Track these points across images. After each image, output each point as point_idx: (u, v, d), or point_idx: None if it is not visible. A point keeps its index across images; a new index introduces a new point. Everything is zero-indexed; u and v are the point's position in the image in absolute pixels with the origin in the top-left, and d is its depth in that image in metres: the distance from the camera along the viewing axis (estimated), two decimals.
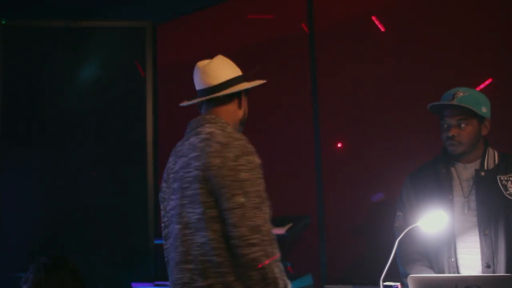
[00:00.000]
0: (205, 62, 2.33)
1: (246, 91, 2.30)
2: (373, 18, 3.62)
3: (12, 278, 3.22)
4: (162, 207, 2.24)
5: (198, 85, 2.30)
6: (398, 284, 2.36)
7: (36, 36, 4.47)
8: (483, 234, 2.53)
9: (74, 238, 4.14)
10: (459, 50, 3.42)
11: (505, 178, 2.58)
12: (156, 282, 3.74)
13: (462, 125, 2.60)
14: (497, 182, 2.57)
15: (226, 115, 2.23)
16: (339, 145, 3.83)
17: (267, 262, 1.93)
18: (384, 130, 3.65)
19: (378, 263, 2.48)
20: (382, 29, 3.54)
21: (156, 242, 4.14)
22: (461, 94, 2.60)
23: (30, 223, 4.16)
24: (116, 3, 4.48)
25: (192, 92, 4.85)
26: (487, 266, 2.50)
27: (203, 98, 2.25)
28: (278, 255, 1.99)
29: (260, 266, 1.93)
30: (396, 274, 2.66)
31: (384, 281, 2.37)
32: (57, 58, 4.45)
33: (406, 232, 2.46)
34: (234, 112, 2.27)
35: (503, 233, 2.51)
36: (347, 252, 3.74)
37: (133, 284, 3.80)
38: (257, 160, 2.04)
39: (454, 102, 2.59)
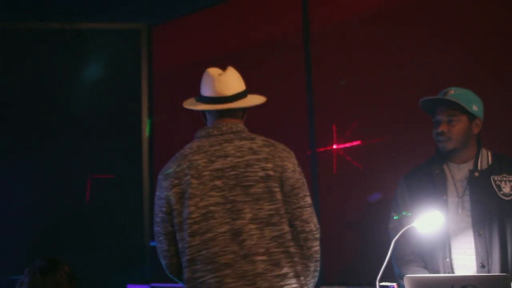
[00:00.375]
0: (218, 70, 2.46)
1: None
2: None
3: (8, 281, 3.23)
4: (190, 203, 2.22)
5: (212, 92, 2.42)
6: (394, 284, 2.38)
7: (31, 38, 4.47)
8: (477, 234, 2.54)
9: (70, 240, 4.13)
10: (457, 54, 3.45)
11: (499, 178, 2.60)
12: (152, 284, 3.75)
13: (452, 121, 2.62)
14: (491, 182, 2.59)
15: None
16: (334, 146, 3.85)
17: (319, 256, 2.24)
18: (379, 132, 3.67)
19: (374, 264, 2.49)
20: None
21: (152, 244, 4.14)
22: (453, 92, 2.64)
23: (25, 225, 4.15)
24: (112, 5, 4.48)
25: (188, 94, 4.86)
26: (481, 266, 2.51)
27: (219, 107, 2.38)
28: None
29: (317, 259, 2.23)
30: (392, 274, 2.67)
31: (380, 281, 2.38)
32: (53, 60, 4.45)
33: (402, 233, 2.47)
34: (242, 123, 2.43)
35: (497, 233, 2.53)
36: (343, 253, 3.75)
37: (129, 286, 3.80)
38: None
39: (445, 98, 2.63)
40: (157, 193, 2.33)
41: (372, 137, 3.69)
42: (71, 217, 4.25)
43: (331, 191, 3.83)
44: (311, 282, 2.25)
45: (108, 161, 4.43)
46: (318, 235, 2.24)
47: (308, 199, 2.25)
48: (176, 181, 2.26)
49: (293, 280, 2.17)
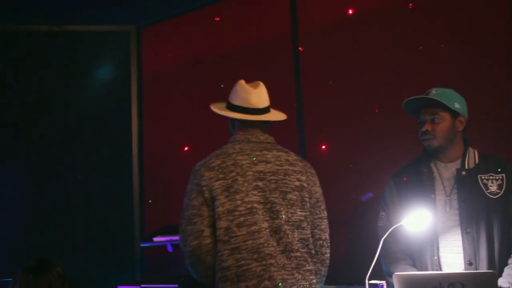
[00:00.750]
0: (250, 84, 2.67)
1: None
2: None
3: (0, 283, 3.22)
4: (236, 197, 2.42)
5: (248, 103, 2.62)
6: (383, 282, 2.39)
7: (20, 40, 4.46)
8: (465, 233, 2.57)
9: (61, 242, 4.13)
10: (443, 54, 3.48)
11: (486, 177, 2.63)
12: (143, 285, 3.75)
13: (435, 120, 2.66)
14: (478, 181, 2.62)
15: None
16: (323, 147, 3.87)
17: (328, 263, 2.56)
18: (368, 131, 3.69)
19: (363, 262, 2.51)
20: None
21: (142, 245, 4.15)
22: (434, 91, 2.69)
23: (17, 227, 4.14)
24: (101, 8, 4.48)
25: (177, 94, 4.87)
26: (469, 263, 2.54)
27: (255, 117, 2.61)
28: None
29: (327, 264, 2.56)
30: (382, 272, 2.69)
31: (369, 279, 2.40)
32: (42, 62, 4.45)
33: (390, 232, 2.49)
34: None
35: (485, 231, 2.56)
36: (332, 253, 3.75)
37: (120, 287, 3.80)
38: None
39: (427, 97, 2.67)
40: (195, 180, 2.50)
41: (361, 136, 3.72)
42: (62, 219, 4.24)
43: (322, 191, 3.85)
44: (320, 284, 2.55)
45: (98, 162, 4.43)
46: (329, 244, 2.57)
47: (326, 212, 2.59)
48: (221, 175, 2.45)
49: (313, 277, 2.48)
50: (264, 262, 2.36)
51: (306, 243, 2.46)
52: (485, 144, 2.88)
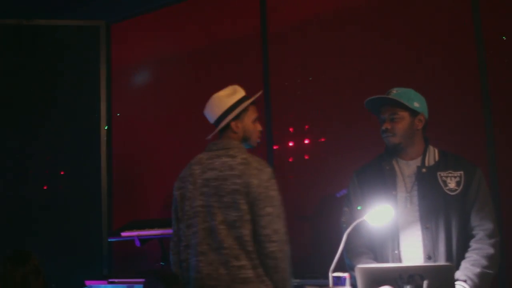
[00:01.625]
0: (217, 93, 2.89)
1: (237, 117, 2.84)
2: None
3: None
4: (187, 203, 2.83)
5: (208, 114, 2.90)
6: (346, 275, 2.45)
7: None
8: (424, 228, 2.65)
9: (28, 237, 4.11)
10: (407, 53, 3.57)
11: (445, 174, 2.71)
12: (110, 280, 3.74)
13: (395, 119, 2.74)
14: (437, 178, 2.70)
15: (234, 139, 2.85)
16: (290, 144, 3.92)
17: (281, 255, 2.65)
18: (332, 129, 3.76)
19: (328, 256, 2.56)
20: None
21: (110, 240, 4.15)
22: (395, 91, 2.77)
23: None
24: (71, 2, 4.46)
25: (146, 91, 4.88)
26: (428, 257, 2.62)
27: (216, 130, 2.87)
28: (288, 251, 2.69)
29: (275, 257, 2.65)
30: (345, 266, 2.76)
31: (333, 272, 2.47)
32: (9, 56, 4.40)
33: (353, 227, 2.55)
34: (236, 134, 2.86)
35: (443, 226, 2.64)
36: (298, 248, 3.79)
37: (87, 282, 3.78)
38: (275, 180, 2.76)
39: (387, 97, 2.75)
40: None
41: (326, 134, 3.79)
42: (29, 214, 4.22)
43: (287, 187, 3.90)
44: (277, 276, 2.68)
45: (66, 156, 4.41)
46: (276, 238, 2.65)
47: (269, 209, 2.68)
48: (181, 185, 2.87)
49: (250, 271, 2.67)
50: (198, 258, 2.74)
51: (240, 241, 2.67)
52: (445, 143, 2.97)
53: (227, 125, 2.84)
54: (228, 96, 2.87)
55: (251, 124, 2.88)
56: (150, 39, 4.58)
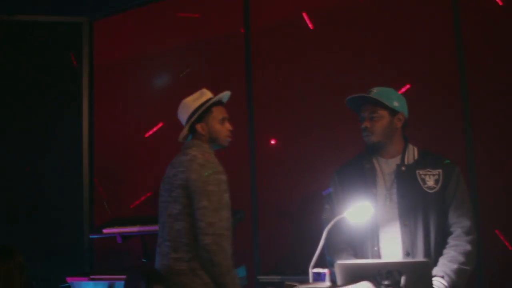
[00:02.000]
0: (185, 98, 3.03)
1: (201, 119, 2.95)
2: (304, 14, 3.76)
3: None
4: (159, 199, 3.02)
5: (181, 121, 3.04)
6: (326, 270, 2.47)
7: None
8: (403, 225, 2.68)
9: (8, 233, 4.08)
10: (386, 52, 3.61)
11: (424, 173, 2.75)
12: (92, 276, 3.74)
13: (374, 117, 2.77)
14: (416, 176, 2.73)
15: (201, 140, 2.97)
16: (272, 141, 3.95)
17: (215, 248, 2.72)
18: (315, 127, 3.79)
19: (309, 253, 2.56)
20: (311, 27, 3.69)
21: (92, 237, 4.15)
22: (375, 90, 2.81)
23: None
24: None
25: (128, 88, 4.86)
26: (406, 254, 2.65)
27: (184, 132, 3.00)
28: (227, 245, 2.76)
29: (209, 250, 2.73)
30: (325, 263, 2.79)
31: (313, 268, 2.50)
32: None
33: (334, 223, 2.56)
34: (204, 136, 2.97)
35: (421, 224, 2.68)
36: (279, 245, 3.85)
37: (68, 279, 3.78)
38: (223, 177, 2.86)
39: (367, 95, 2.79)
40: None
41: (309, 132, 3.82)
42: (10, 211, 4.19)
43: (269, 185, 3.94)
44: (214, 270, 2.75)
45: (48, 153, 4.39)
46: (211, 231, 2.74)
47: (204, 203, 2.79)
48: (161, 185, 3.03)
49: (184, 264, 2.80)
50: (156, 250, 2.96)
51: (180, 233, 2.83)
52: (424, 141, 3.01)
53: (195, 128, 2.97)
54: (194, 100, 2.99)
55: (217, 124, 2.98)
56: (134, 37, 4.57)
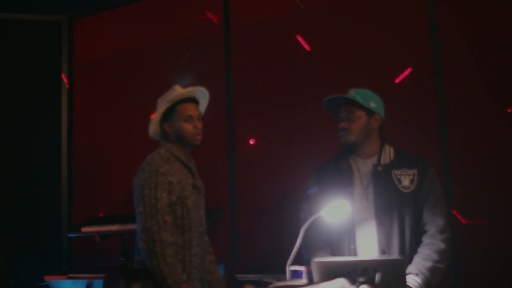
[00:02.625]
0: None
1: (166, 118, 2.90)
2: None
3: None
4: None
5: None
6: (303, 268, 2.49)
7: None
8: (379, 224, 2.73)
9: None
10: (365, 54, 3.65)
11: (399, 173, 2.80)
12: (70, 275, 3.73)
13: (352, 118, 2.82)
14: (392, 176, 2.78)
15: (169, 139, 2.93)
16: (251, 141, 3.97)
17: (147, 254, 2.69)
18: (294, 127, 3.82)
19: (287, 252, 2.59)
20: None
21: (70, 235, 4.13)
22: (352, 91, 2.86)
23: None
24: None
25: (107, 87, 4.84)
26: (382, 252, 2.70)
27: (153, 131, 2.97)
28: (160, 250, 2.68)
29: (144, 255, 2.71)
30: (303, 262, 2.81)
31: (290, 266, 2.52)
32: None
33: (312, 223, 2.60)
34: (170, 134, 2.92)
35: (397, 222, 2.73)
36: (258, 243, 3.87)
37: (46, 277, 3.76)
38: (162, 179, 2.76)
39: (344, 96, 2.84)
40: None
41: (288, 132, 3.84)
42: None
43: (248, 184, 3.95)
44: (153, 273, 2.70)
45: (26, 153, 4.37)
46: (144, 237, 2.71)
47: (140, 208, 2.76)
48: None
49: (137, 265, 2.81)
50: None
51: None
52: (400, 142, 3.06)
53: (163, 126, 2.92)
54: (164, 97, 2.93)
55: (182, 123, 2.88)
56: (113, 35, 4.56)
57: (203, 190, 3.02)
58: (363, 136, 2.84)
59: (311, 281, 2.38)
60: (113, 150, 4.47)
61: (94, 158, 4.54)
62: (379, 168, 2.81)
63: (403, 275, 2.32)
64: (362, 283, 2.21)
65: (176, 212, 2.79)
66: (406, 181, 2.79)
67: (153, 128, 2.93)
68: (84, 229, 3.87)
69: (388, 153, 2.87)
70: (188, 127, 2.88)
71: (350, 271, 2.24)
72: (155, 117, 2.91)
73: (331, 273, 2.25)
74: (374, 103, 2.86)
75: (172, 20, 4.36)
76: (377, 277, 2.21)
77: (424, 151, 3.27)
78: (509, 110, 3.31)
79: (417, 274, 2.64)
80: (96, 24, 4.64)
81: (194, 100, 2.94)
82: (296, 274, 2.48)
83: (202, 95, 3.01)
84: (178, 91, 2.91)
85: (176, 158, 2.87)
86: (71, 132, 4.58)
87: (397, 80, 3.55)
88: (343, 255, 2.77)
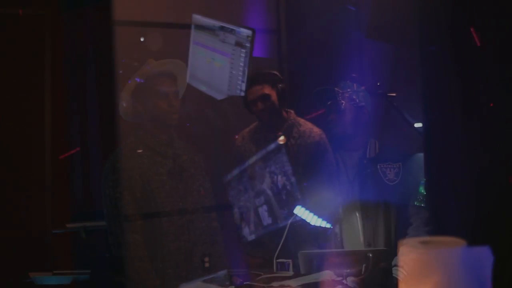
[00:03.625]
0: None
1: (138, 96, 2.61)
2: None
3: None
4: None
5: None
6: (290, 260, 2.50)
7: None
8: (365, 217, 2.77)
9: None
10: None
11: (385, 166, 2.83)
12: (55, 271, 3.71)
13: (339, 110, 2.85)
14: (377, 169, 2.82)
15: (144, 121, 2.63)
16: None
17: (116, 255, 2.56)
18: None
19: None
20: None
21: (54, 232, 4.11)
22: (342, 84, 2.87)
23: None
24: None
25: (92, 81, 4.78)
26: (368, 244, 2.74)
27: (121, 112, 2.72)
28: (126, 253, 2.55)
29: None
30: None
31: (277, 259, 2.54)
32: None
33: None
34: (144, 115, 2.60)
35: (382, 215, 2.77)
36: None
37: (31, 274, 3.73)
38: (122, 176, 2.49)
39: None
40: None
41: None
42: None
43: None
44: (126, 278, 2.58)
45: (9, 148, 4.33)
46: (111, 240, 2.60)
47: (104, 210, 2.63)
48: None
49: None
50: None
51: None
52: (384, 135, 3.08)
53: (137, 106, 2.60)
54: (135, 73, 2.63)
55: (155, 100, 2.51)
56: (99, 30, 4.52)
57: (201, 170, 2.63)
58: (351, 129, 2.86)
59: (297, 273, 2.39)
60: (97, 146, 4.44)
61: (78, 153, 4.51)
62: (365, 161, 2.85)
63: (388, 265, 2.34)
64: (349, 274, 2.23)
65: (142, 208, 2.50)
66: (391, 174, 2.81)
67: (124, 108, 2.55)
68: (69, 225, 3.85)
69: (374, 146, 2.89)
70: (162, 104, 2.49)
71: (336, 263, 2.26)
72: (124, 93, 2.54)
73: (317, 265, 2.27)
74: (363, 96, 2.88)
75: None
76: (363, 268, 2.23)
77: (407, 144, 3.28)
78: None
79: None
80: (81, 19, 4.59)
81: (170, 75, 2.55)
82: (283, 266, 2.49)
83: (179, 69, 2.60)
84: (151, 64, 2.55)
85: (145, 147, 2.52)
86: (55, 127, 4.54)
87: None
88: (329, 247, 2.77)
